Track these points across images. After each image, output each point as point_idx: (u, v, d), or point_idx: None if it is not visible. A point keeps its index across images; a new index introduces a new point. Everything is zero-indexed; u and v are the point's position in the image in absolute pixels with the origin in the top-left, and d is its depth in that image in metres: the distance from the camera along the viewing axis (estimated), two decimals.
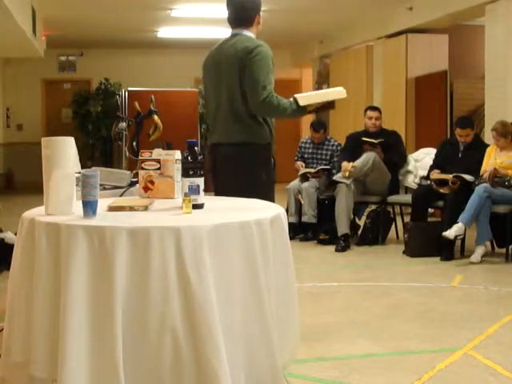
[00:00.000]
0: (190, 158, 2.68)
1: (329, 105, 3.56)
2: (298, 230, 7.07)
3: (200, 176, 2.66)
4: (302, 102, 3.43)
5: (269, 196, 3.33)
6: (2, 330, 2.46)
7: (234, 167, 3.54)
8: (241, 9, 3.60)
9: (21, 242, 2.38)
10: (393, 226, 6.96)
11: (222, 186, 3.59)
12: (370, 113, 7.04)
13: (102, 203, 2.49)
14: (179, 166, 2.87)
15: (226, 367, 2.14)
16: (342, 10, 9.89)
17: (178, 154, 2.96)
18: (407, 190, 7.01)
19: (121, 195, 3.20)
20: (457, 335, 3.76)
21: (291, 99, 3.47)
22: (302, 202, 6.97)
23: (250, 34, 3.59)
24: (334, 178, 6.69)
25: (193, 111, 9.22)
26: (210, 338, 2.12)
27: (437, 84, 9.00)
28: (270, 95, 3.39)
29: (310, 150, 7.44)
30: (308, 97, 3.50)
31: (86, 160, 11.93)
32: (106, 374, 2.10)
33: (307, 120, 8.16)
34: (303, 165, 7.32)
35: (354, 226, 6.85)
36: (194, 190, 2.61)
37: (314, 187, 6.98)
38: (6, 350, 2.39)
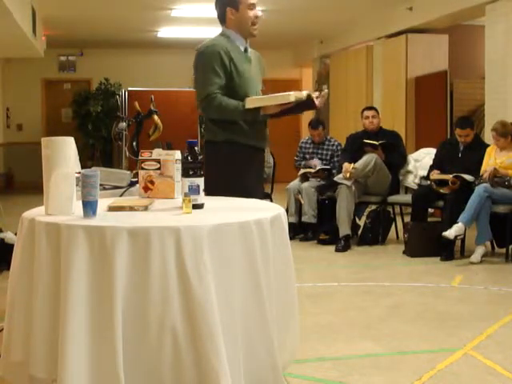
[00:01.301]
0: (189, 157, 2.68)
1: (297, 109, 3.47)
2: (298, 230, 7.07)
3: (200, 176, 2.66)
4: (247, 105, 3.36)
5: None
6: (2, 329, 2.46)
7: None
8: (215, 6, 3.58)
9: (21, 242, 2.38)
10: (393, 225, 6.96)
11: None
12: (366, 112, 7.05)
13: (102, 203, 2.49)
14: (179, 166, 2.87)
15: (226, 367, 2.14)
16: (342, 10, 9.88)
17: (178, 154, 2.96)
18: (407, 190, 7.01)
19: (121, 195, 3.20)
20: (457, 335, 3.76)
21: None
22: (302, 201, 6.97)
23: (226, 31, 3.52)
24: (335, 179, 6.69)
25: (193, 111, 9.22)
26: (210, 338, 2.12)
27: (437, 84, 9.00)
28: (210, 96, 3.37)
29: (311, 150, 7.43)
30: (257, 100, 3.40)
31: (86, 160, 11.92)
32: (106, 373, 2.10)
33: (307, 120, 8.14)
34: (316, 164, 7.24)
35: (354, 226, 6.85)
36: (193, 190, 2.61)
37: (314, 187, 6.98)
38: (5, 350, 2.39)
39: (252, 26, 3.50)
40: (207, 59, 3.42)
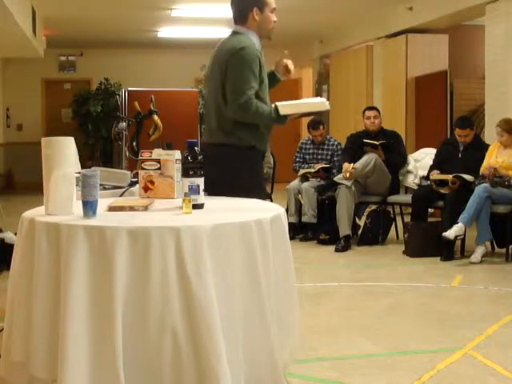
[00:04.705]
0: (189, 157, 2.68)
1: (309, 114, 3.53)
2: (298, 230, 7.07)
3: (200, 176, 2.66)
4: (282, 112, 3.31)
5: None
6: (2, 329, 2.46)
7: (213, 168, 3.22)
8: (234, 4, 3.51)
9: (21, 242, 2.38)
10: (393, 225, 6.96)
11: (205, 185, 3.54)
12: (368, 113, 7.05)
13: (102, 203, 2.49)
14: (179, 166, 2.87)
15: (226, 367, 2.14)
16: (342, 10, 9.88)
17: (177, 154, 2.96)
18: (407, 190, 7.02)
19: (121, 195, 3.20)
20: (457, 335, 3.76)
21: (272, 106, 3.35)
22: (302, 201, 6.97)
23: (245, 31, 3.44)
24: (335, 179, 6.69)
25: (193, 111, 9.21)
26: (210, 338, 2.12)
27: (437, 84, 9.00)
28: (249, 101, 3.28)
29: (311, 151, 7.43)
30: (290, 106, 3.35)
31: (86, 160, 11.91)
32: (106, 373, 2.10)
33: (306, 120, 8.14)
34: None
35: (354, 226, 6.85)
36: (193, 190, 2.61)
37: (314, 187, 6.98)
38: (5, 350, 2.39)
39: (272, 29, 3.52)
40: (247, 61, 3.32)
